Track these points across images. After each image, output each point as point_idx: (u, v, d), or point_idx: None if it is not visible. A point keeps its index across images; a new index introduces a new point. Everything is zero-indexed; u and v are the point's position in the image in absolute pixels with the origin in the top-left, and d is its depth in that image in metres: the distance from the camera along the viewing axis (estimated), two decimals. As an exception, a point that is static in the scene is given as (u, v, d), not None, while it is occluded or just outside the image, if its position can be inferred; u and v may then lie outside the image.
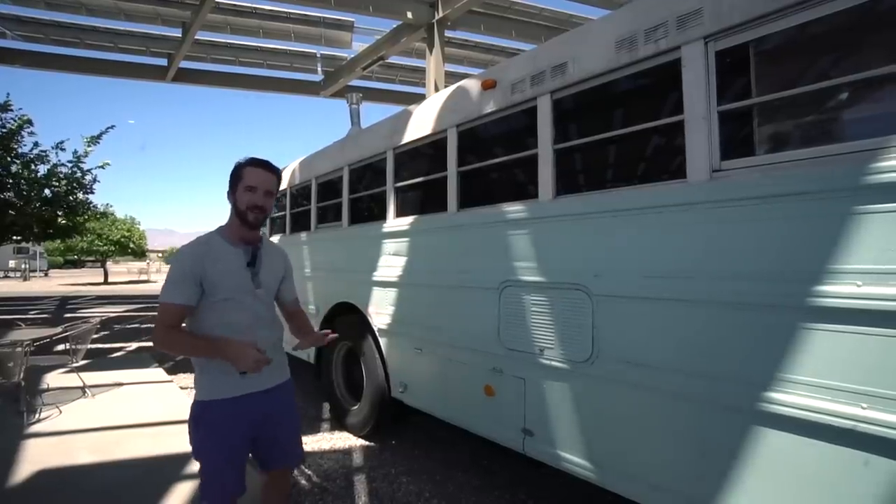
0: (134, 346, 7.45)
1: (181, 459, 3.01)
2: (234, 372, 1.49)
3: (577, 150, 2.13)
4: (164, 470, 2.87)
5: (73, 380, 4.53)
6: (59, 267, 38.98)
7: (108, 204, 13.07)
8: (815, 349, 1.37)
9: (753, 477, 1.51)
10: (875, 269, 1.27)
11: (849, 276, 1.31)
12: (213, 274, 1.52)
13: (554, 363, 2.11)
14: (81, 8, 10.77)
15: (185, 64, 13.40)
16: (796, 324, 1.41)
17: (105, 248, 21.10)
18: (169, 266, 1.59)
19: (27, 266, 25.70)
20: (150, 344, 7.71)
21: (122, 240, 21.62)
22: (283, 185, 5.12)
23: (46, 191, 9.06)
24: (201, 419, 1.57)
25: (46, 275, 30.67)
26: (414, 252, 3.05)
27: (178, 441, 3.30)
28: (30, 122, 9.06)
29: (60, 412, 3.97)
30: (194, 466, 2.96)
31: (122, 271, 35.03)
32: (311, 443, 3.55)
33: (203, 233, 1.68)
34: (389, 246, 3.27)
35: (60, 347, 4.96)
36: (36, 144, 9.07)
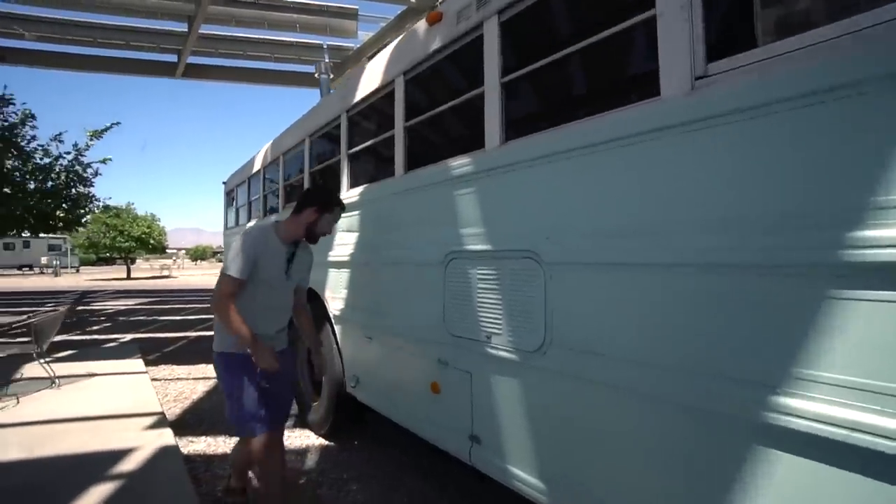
0: (129, 337, 7.37)
1: (112, 456, 2.72)
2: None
3: (528, 80, 1.68)
4: (88, 468, 2.58)
5: (51, 369, 4.35)
6: (92, 264, 40.59)
7: (108, 197, 13.18)
8: (844, 330, 0.90)
9: (749, 515, 1.04)
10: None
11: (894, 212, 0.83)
12: (264, 260, 1.87)
13: (501, 353, 1.68)
14: (86, 4, 10.84)
15: (193, 59, 13.39)
16: (818, 291, 0.94)
17: (127, 244, 21.66)
18: (235, 244, 1.86)
19: (58, 263, 26.78)
20: (139, 335, 7.60)
21: (143, 236, 22.14)
22: (258, 167, 4.82)
23: (49, 182, 9.13)
24: (232, 366, 1.90)
25: (77, 271, 31.92)
26: (362, 226, 2.66)
27: (117, 436, 3.03)
28: (32, 117, 9.14)
29: (18, 402, 3.78)
30: (123, 465, 2.72)
31: (146, 268, 36.19)
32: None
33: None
34: (342, 221, 2.87)
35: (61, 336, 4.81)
36: (34, 138, 9.15)
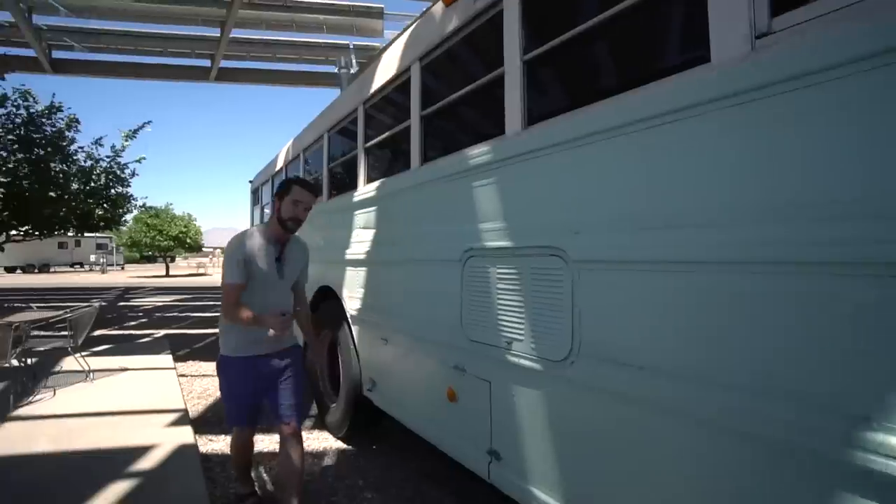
0: (161, 332, 7.61)
1: (131, 452, 2.72)
2: (250, 339, 1.94)
3: (553, 56, 1.50)
4: (106, 463, 2.59)
5: (87, 363, 4.50)
6: (136, 262, 42.84)
7: (145, 197, 13.80)
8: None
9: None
10: None
11: None
12: (251, 263, 1.90)
13: (523, 361, 1.51)
14: (131, 15, 11.34)
15: (226, 63, 13.82)
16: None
17: (165, 243, 22.73)
18: (225, 252, 1.95)
19: (104, 260, 28.43)
20: (171, 331, 7.82)
21: (181, 235, 23.16)
22: (280, 165, 4.82)
23: (91, 184, 9.60)
24: (223, 369, 2.01)
25: (122, 268, 33.84)
26: (379, 222, 2.54)
27: (139, 432, 3.04)
28: (77, 122, 9.62)
29: (54, 395, 3.91)
30: (141, 463, 2.73)
31: (184, 265, 37.91)
32: (282, 442, 3.17)
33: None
34: (359, 218, 2.78)
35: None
36: (73, 140, 9.63)
